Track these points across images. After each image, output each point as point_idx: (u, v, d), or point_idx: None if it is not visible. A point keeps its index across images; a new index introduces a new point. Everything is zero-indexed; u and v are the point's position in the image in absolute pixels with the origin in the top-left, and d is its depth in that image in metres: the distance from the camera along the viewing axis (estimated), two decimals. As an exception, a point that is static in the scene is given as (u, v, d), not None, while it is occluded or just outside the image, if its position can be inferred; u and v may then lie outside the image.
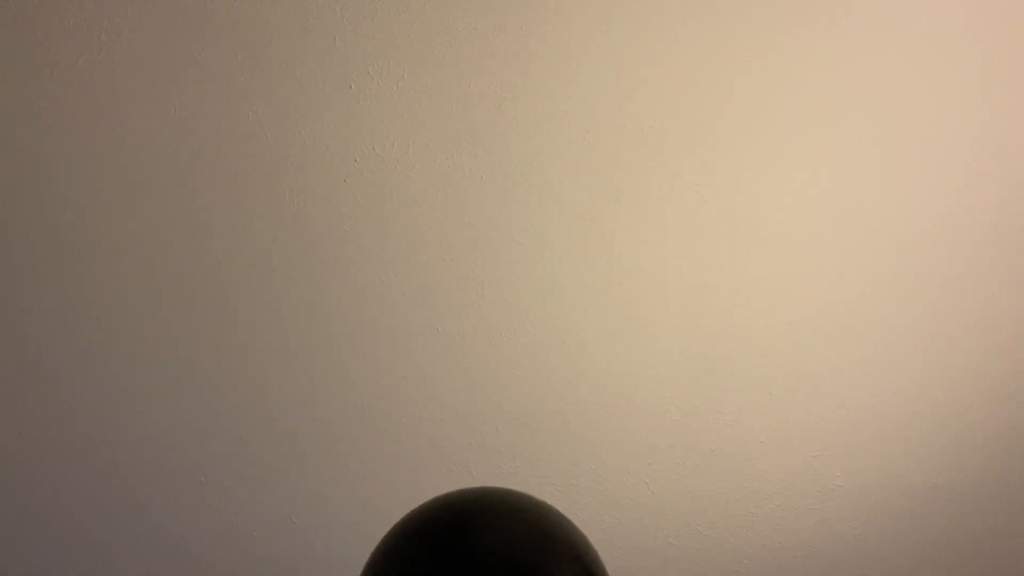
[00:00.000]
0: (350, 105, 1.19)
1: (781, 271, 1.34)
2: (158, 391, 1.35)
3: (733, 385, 1.42)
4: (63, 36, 1.12)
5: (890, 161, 1.28)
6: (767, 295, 1.35)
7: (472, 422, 1.41)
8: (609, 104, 1.21)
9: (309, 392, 1.37)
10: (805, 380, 1.42)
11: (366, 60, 1.17)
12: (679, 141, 1.24)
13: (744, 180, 1.28)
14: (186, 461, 1.40)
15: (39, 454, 1.38)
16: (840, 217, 1.31)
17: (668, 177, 1.26)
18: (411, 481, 1.44)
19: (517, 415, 1.41)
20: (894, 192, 1.30)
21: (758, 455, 1.48)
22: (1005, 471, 1.54)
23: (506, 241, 1.29)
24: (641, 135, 1.24)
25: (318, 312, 1.31)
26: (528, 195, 1.26)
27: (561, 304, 1.33)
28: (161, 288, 1.28)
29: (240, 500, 1.43)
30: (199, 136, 1.19)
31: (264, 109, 1.18)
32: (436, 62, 1.17)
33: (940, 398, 1.46)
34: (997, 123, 1.27)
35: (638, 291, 1.33)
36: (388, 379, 1.36)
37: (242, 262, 1.27)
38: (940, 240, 1.34)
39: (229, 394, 1.36)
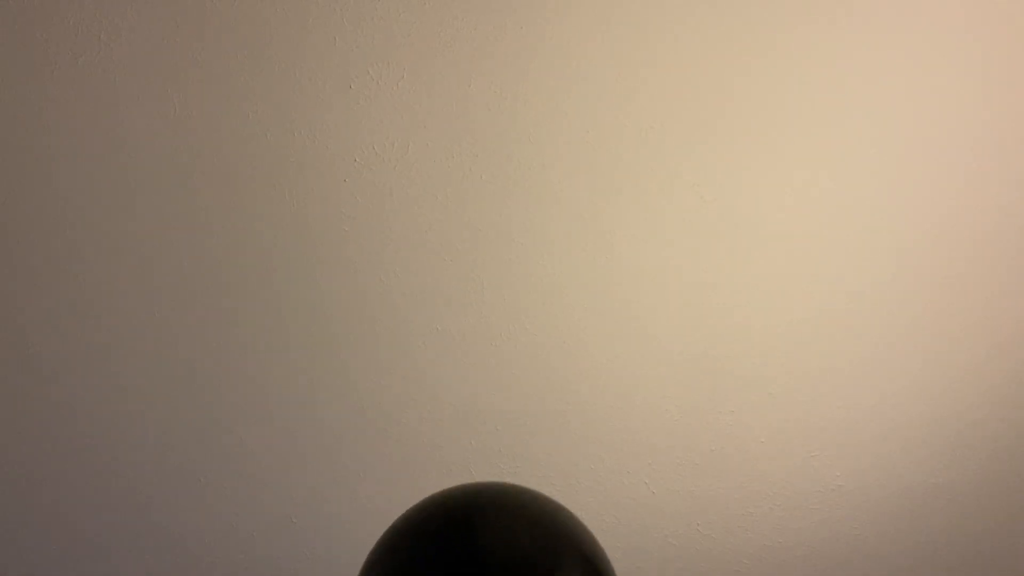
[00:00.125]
0: (350, 105, 1.19)
1: (781, 271, 1.34)
2: (158, 391, 1.35)
3: (733, 385, 1.42)
4: (63, 36, 1.12)
5: (890, 161, 1.28)
6: (767, 295, 1.35)
7: (472, 422, 1.41)
8: (609, 104, 1.21)
9: (309, 392, 1.36)
10: (805, 380, 1.42)
11: (366, 60, 1.17)
12: (679, 141, 1.24)
13: (744, 180, 1.28)
14: (186, 461, 1.40)
15: (39, 454, 1.38)
16: (840, 217, 1.31)
17: (668, 177, 1.26)
18: (411, 481, 1.44)
19: (517, 415, 1.41)
20: (894, 192, 1.30)
21: (758, 455, 1.48)
22: (1005, 471, 1.54)
23: (506, 241, 1.29)
24: (641, 135, 1.24)
25: (318, 312, 1.31)
26: (528, 195, 1.26)
27: (561, 304, 1.33)
28: (161, 288, 1.28)
29: (240, 500, 1.43)
30: (199, 136, 1.19)
31: (264, 109, 1.18)
32: (436, 62, 1.17)
33: (940, 398, 1.46)
34: (997, 123, 1.27)
35: (638, 291, 1.33)
36: (388, 379, 1.36)
37: (242, 262, 1.27)
38: (940, 240, 1.34)
39: (229, 394, 1.36)
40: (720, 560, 1.57)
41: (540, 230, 1.28)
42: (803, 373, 1.42)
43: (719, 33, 1.19)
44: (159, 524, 1.45)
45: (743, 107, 1.23)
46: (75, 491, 1.41)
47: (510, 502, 0.73)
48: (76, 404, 1.35)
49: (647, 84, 1.21)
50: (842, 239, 1.33)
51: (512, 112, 1.21)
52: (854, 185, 1.29)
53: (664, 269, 1.32)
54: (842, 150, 1.27)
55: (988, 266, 1.37)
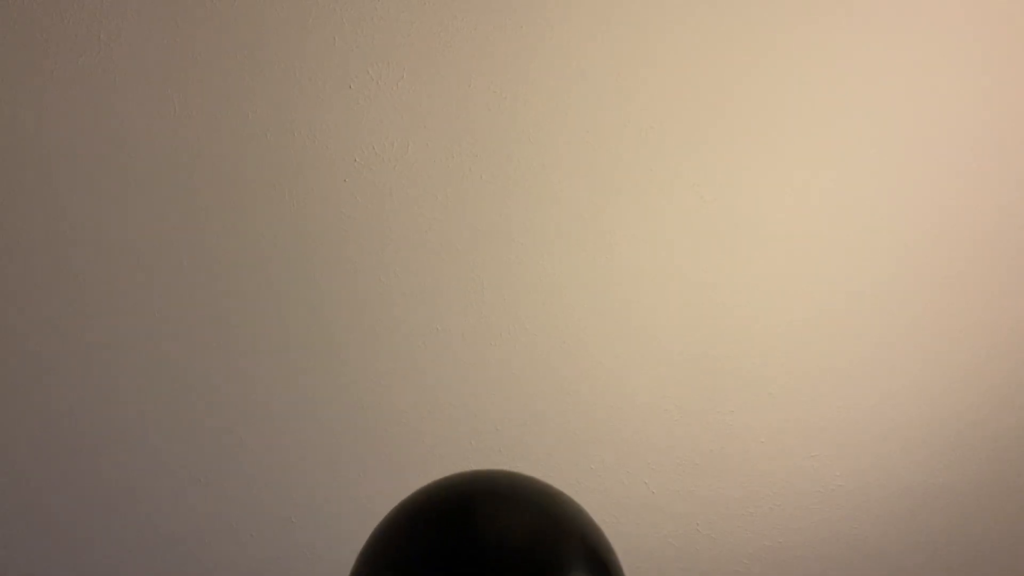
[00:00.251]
0: (350, 105, 1.19)
1: (781, 271, 1.34)
2: (157, 391, 1.35)
3: (733, 385, 1.42)
4: (63, 36, 1.12)
5: (890, 161, 1.28)
6: (767, 295, 1.35)
7: (472, 422, 1.41)
8: (609, 104, 1.21)
9: (308, 392, 1.36)
10: (805, 380, 1.42)
11: (366, 60, 1.17)
12: (679, 141, 1.24)
13: (744, 180, 1.28)
14: (186, 461, 1.40)
15: (38, 454, 1.38)
16: (840, 217, 1.31)
17: (668, 177, 1.26)
18: (411, 481, 1.44)
19: (517, 415, 1.41)
20: (894, 192, 1.30)
21: (758, 455, 1.48)
22: (1005, 471, 1.54)
23: (506, 241, 1.29)
24: (641, 135, 1.24)
25: (318, 312, 1.31)
26: (528, 195, 1.26)
27: (561, 304, 1.33)
28: (161, 288, 1.28)
29: (240, 500, 1.43)
30: (199, 136, 1.19)
31: (264, 109, 1.18)
32: (436, 62, 1.17)
33: (940, 398, 1.46)
34: (997, 123, 1.27)
35: (638, 291, 1.33)
36: (388, 379, 1.36)
37: (242, 262, 1.27)
38: (940, 240, 1.34)
39: (228, 394, 1.36)
40: (720, 560, 1.57)
41: (540, 230, 1.28)
42: (803, 373, 1.42)
43: (719, 33, 1.19)
44: (159, 524, 1.45)
45: (743, 107, 1.23)
46: (74, 491, 1.41)
47: (508, 488, 0.71)
48: (75, 404, 1.35)
49: (647, 84, 1.21)
50: (842, 239, 1.33)
51: (512, 112, 1.21)
52: (854, 185, 1.29)
53: (664, 269, 1.32)
54: (842, 150, 1.27)
55: (988, 266, 1.37)
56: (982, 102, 1.26)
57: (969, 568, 1.62)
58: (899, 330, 1.40)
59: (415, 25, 1.15)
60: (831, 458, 1.49)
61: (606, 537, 0.72)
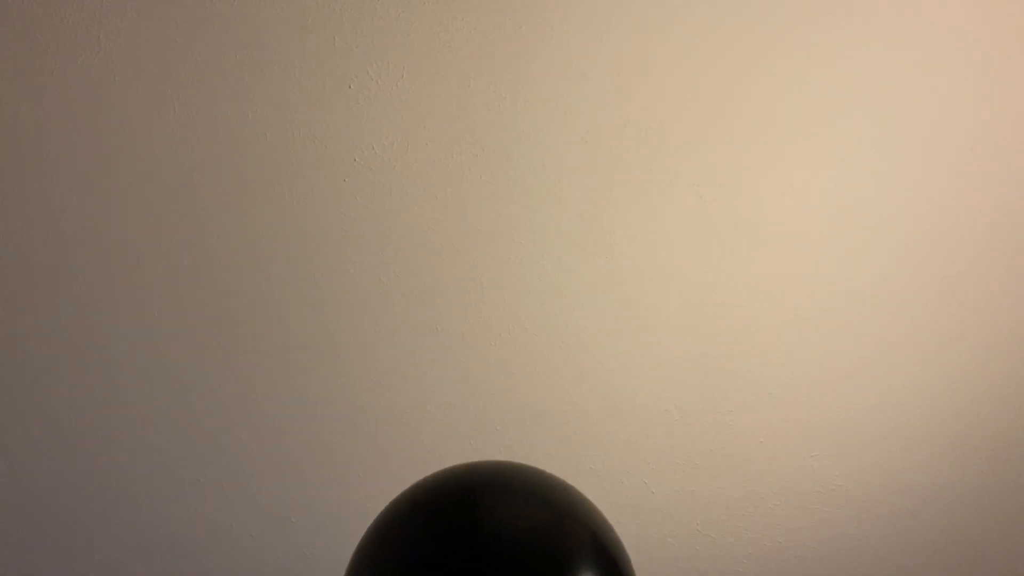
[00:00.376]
0: (349, 105, 1.19)
1: (781, 271, 1.34)
2: (157, 391, 1.35)
3: (733, 385, 1.42)
4: (63, 36, 1.12)
5: (890, 161, 1.28)
6: (767, 295, 1.35)
7: (472, 422, 1.41)
8: (609, 104, 1.21)
9: (308, 392, 1.36)
10: (805, 380, 1.42)
11: (365, 60, 1.17)
12: (679, 141, 1.24)
13: (744, 180, 1.28)
14: (185, 461, 1.40)
15: (37, 454, 1.38)
16: (840, 217, 1.31)
17: (668, 177, 1.26)
18: (410, 481, 1.44)
19: (517, 415, 1.41)
20: (894, 192, 1.30)
21: (758, 455, 1.48)
22: (1005, 471, 1.54)
23: (506, 241, 1.28)
24: (641, 135, 1.24)
25: (317, 312, 1.31)
26: (528, 195, 1.26)
27: (561, 304, 1.33)
28: (160, 288, 1.28)
29: (239, 500, 1.43)
30: (199, 136, 1.19)
31: (264, 109, 1.18)
32: (436, 62, 1.17)
33: (940, 398, 1.46)
34: (997, 123, 1.27)
35: (638, 291, 1.33)
36: (388, 379, 1.36)
37: (241, 262, 1.27)
38: (940, 240, 1.34)
39: (228, 394, 1.36)
40: (720, 560, 1.57)
41: (540, 230, 1.28)
42: (803, 373, 1.42)
43: (719, 33, 1.19)
44: (158, 524, 1.45)
45: (743, 107, 1.23)
46: (73, 491, 1.41)
47: (521, 483, 0.68)
48: (74, 404, 1.35)
49: (647, 84, 1.21)
50: (842, 239, 1.33)
51: (512, 112, 1.21)
52: (854, 185, 1.29)
53: (664, 269, 1.32)
54: (842, 150, 1.27)
55: (988, 266, 1.37)
56: (982, 102, 1.26)
57: (969, 568, 1.62)
58: (899, 330, 1.40)
59: (415, 25, 1.15)
60: (831, 458, 1.49)
61: (615, 531, 0.69)
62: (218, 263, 1.27)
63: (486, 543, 0.62)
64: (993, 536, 1.60)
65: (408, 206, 1.25)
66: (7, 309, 1.28)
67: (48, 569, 1.47)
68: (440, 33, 1.16)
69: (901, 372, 1.43)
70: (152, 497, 1.42)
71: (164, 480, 1.41)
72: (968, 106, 1.26)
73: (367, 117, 1.20)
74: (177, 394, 1.35)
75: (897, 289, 1.37)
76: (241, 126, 1.19)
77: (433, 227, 1.27)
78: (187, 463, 1.40)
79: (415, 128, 1.21)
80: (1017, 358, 1.45)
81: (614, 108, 1.22)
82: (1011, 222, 1.34)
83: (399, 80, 1.18)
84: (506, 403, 1.40)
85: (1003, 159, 1.30)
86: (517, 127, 1.22)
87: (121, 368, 1.32)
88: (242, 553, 1.48)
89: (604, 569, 0.64)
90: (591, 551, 0.64)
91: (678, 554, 1.55)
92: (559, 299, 1.33)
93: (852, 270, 1.35)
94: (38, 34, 1.12)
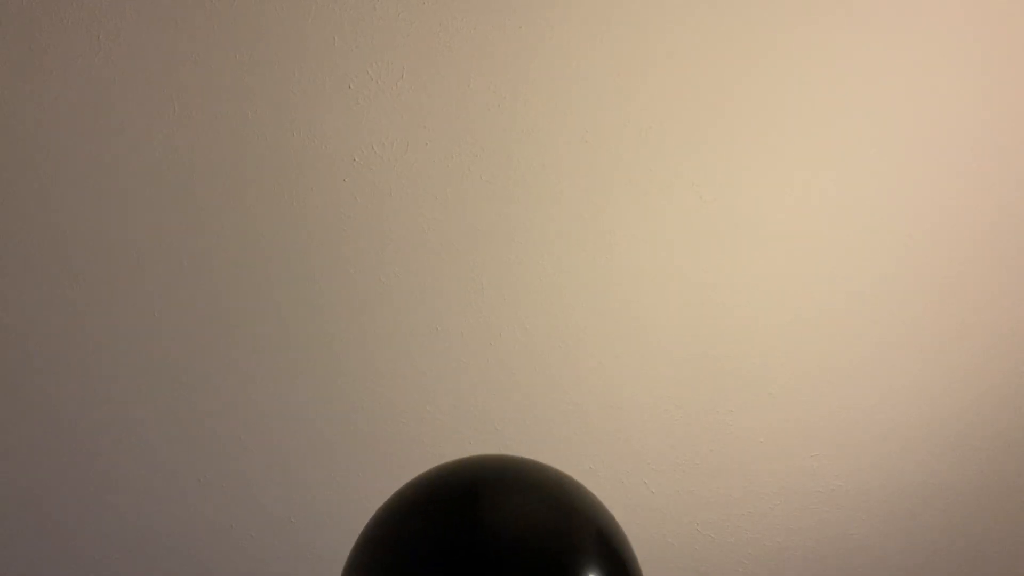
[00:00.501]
0: (349, 105, 1.19)
1: (781, 271, 1.34)
2: (157, 391, 1.35)
3: (733, 385, 1.41)
4: (62, 36, 1.12)
5: (890, 161, 1.28)
6: (767, 295, 1.35)
7: (471, 422, 1.41)
8: (609, 104, 1.21)
9: (308, 392, 1.36)
10: (805, 380, 1.42)
11: (365, 60, 1.17)
12: (679, 141, 1.24)
13: (744, 180, 1.27)
14: (184, 461, 1.40)
15: (36, 454, 1.38)
16: (840, 217, 1.31)
17: (668, 177, 1.26)
18: (411, 481, 1.44)
19: (516, 415, 1.41)
20: (894, 192, 1.30)
21: (758, 455, 1.48)
22: (1005, 471, 1.54)
23: (506, 241, 1.28)
24: (641, 135, 1.23)
25: (317, 312, 1.31)
26: (528, 195, 1.26)
27: (561, 304, 1.33)
28: (160, 287, 1.28)
29: (238, 500, 1.43)
30: (198, 136, 1.19)
31: (263, 109, 1.18)
32: (436, 62, 1.17)
33: (940, 398, 1.46)
34: (997, 123, 1.27)
35: (638, 291, 1.33)
36: (387, 379, 1.36)
37: (241, 262, 1.27)
38: (940, 240, 1.34)
39: (228, 394, 1.36)
40: (720, 560, 1.57)
41: (540, 230, 1.28)
42: (803, 373, 1.42)
43: (719, 33, 1.19)
44: (159, 524, 1.45)
45: (743, 107, 1.23)
46: (74, 491, 1.41)
47: (523, 477, 0.65)
48: (74, 404, 1.35)
49: (647, 84, 1.21)
50: (842, 239, 1.32)
51: (512, 112, 1.21)
52: (854, 185, 1.29)
53: (664, 269, 1.32)
54: (842, 150, 1.27)
55: (988, 266, 1.37)
56: (982, 102, 1.26)
57: (969, 568, 1.62)
58: (899, 330, 1.40)
59: (414, 25, 1.15)
60: (831, 458, 1.49)
61: (619, 526, 0.67)
62: (218, 263, 1.27)
63: (489, 539, 0.60)
64: (993, 536, 1.60)
65: (408, 206, 1.25)
66: (7, 309, 1.28)
67: (48, 569, 1.47)
68: (440, 33, 1.16)
69: (901, 372, 1.43)
70: (152, 497, 1.42)
71: (164, 480, 1.41)
72: (968, 106, 1.26)
73: (367, 117, 1.20)
74: (177, 394, 1.35)
75: (897, 289, 1.37)
76: (241, 126, 1.19)
77: (433, 227, 1.27)
78: (187, 463, 1.40)
79: (415, 128, 1.21)
80: (1017, 358, 1.44)
81: (614, 108, 1.22)
82: (1011, 222, 1.34)
83: (399, 80, 1.18)
84: (506, 403, 1.40)
85: (1003, 159, 1.30)
86: (517, 127, 1.22)
87: (121, 368, 1.32)
88: (242, 553, 1.48)
89: (610, 566, 0.62)
90: (596, 548, 0.62)
91: (678, 554, 1.55)
92: (559, 299, 1.33)
93: (852, 270, 1.35)
94: (38, 34, 1.12)
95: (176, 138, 1.19)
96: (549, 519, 0.62)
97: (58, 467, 1.39)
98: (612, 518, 0.67)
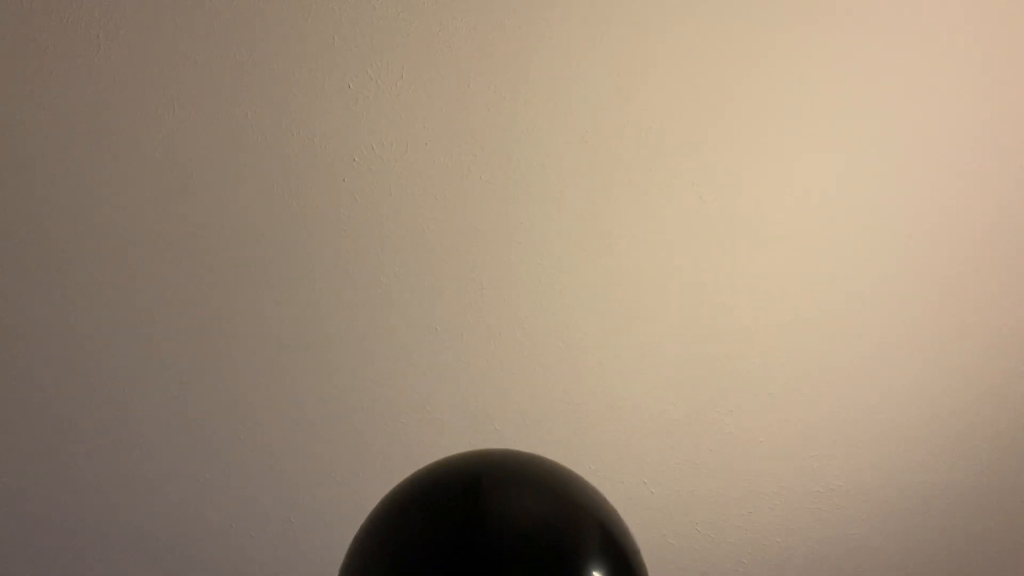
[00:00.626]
0: (349, 105, 1.19)
1: (781, 271, 1.34)
2: (156, 391, 1.35)
3: (733, 385, 1.41)
4: (61, 36, 1.12)
5: (890, 161, 1.28)
6: (767, 295, 1.35)
7: (471, 422, 1.41)
8: (609, 104, 1.21)
9: (307, 392, 1.36)
10: (805, 380, 1.42)
11: (364, 60, 1.16)
12: (679, 141, 1.24)
13: (744, 180, 1.27)
14: (184, 461, 1.40)
15: (36, 454, 1.38)
16: (840, 217, 1.31)
17: (668, 177, 1.26)
18: (411, 481, 1.44)
19: (516, 415, 1.41)
20: (894, 192, 1.30)
21: (758, 455, 1.48)
22: (1005, 471, 1.54)
23: (506, 241, 1.28)
24: (641, 135, 1.23)
25: (317, 312, 1.31)
26: (528, 195, 1.26)
27: (561, 304, 1.33)
28: (159, 287, 1.28)
29: (238, 501, 1.43)
30: (198, 136, 1.19)
31: (263, 109, 1.18)
32: (435, 62, 1.17)
33: (940, 398, 1.46)
34: (997, 123, 1.27)
35: (638, 291, 1.33)
36: (387, 379, 1.36)
37: (241, 262, 1.27)
38: (940, 240, 1.34)
39: (227, 394, 1.36)
40: (720, 560, 1.57)
41: (540, 230, 1.28)
42: (803, 373, 1.42)
43: (719, 33, 1.19)
44: (159, 524, 1.44)
45: (743, 107, 1.23)
46: (74, 491, 1.41)
47: (518, 466, 0.64)
48: (73, 404, 1.35)
49: (647, 84, 1.21)
50: (842, 239, 1.32)
51: (512, 112, 1.21)
52: (854, 185, 1.29)
53: (664, 269, 1.32)
54: (842, 150, 1.27)
55: (988, 266, 1.37)
56: (982, 102, 1.26)
57: (969, 568, 1.62)
58: (899, 330, 1.40)
59: (414, 25, 1.15)
60: (831, 458, 1.49)
61: (623, 522, 0.65)
62: (218, 263, 1.27)
63: (490, 534, 0.59)
64: (993, 536, 1.60)
65: (408, 206, 1.25)
66: (6, 308, 1.28)
67: (48, 569, 1.47)
68: (440, 33, 1.16)
69: (901, 372, 1.43)
70: (152, 497, 1.42)
71: (164, 480, 1.41)
72: (968, 106, 1.26)
73: (367, 117, 1.20)
74: (175, 394, 1.35)
75: (897, 289, 1.37)
76: (241, 126, 1.19)
77: (433, 227, 1.27)
78: (187, 463, 1.40)
79: (415, 128, 1.21)
80: (1017, 358, 1.44)
81: (614, 108, 1.22)
82: (1011, 222, 1.34)
83: (399, 80, 1.18)
84: (506, 403, 1.40)
85: (1003, 159, 1.30)
86: (517, 127, 1.22)
87: (121, 368, 1.32)
88: (242, 553, 1.48)
89: (613, 561, 0.61)
90: (600, 543, 0.61)
91: (678, 554, 1.55)
92: (559, 299, 1.33)
93: (852, 270, 1.35)
94: (38, 34, 1.12)
95: (176, 138, 1.19)
96: (551, 513, 0.61)
97: (58, 467, 1.39)
98: (615, 511, 0.65)
